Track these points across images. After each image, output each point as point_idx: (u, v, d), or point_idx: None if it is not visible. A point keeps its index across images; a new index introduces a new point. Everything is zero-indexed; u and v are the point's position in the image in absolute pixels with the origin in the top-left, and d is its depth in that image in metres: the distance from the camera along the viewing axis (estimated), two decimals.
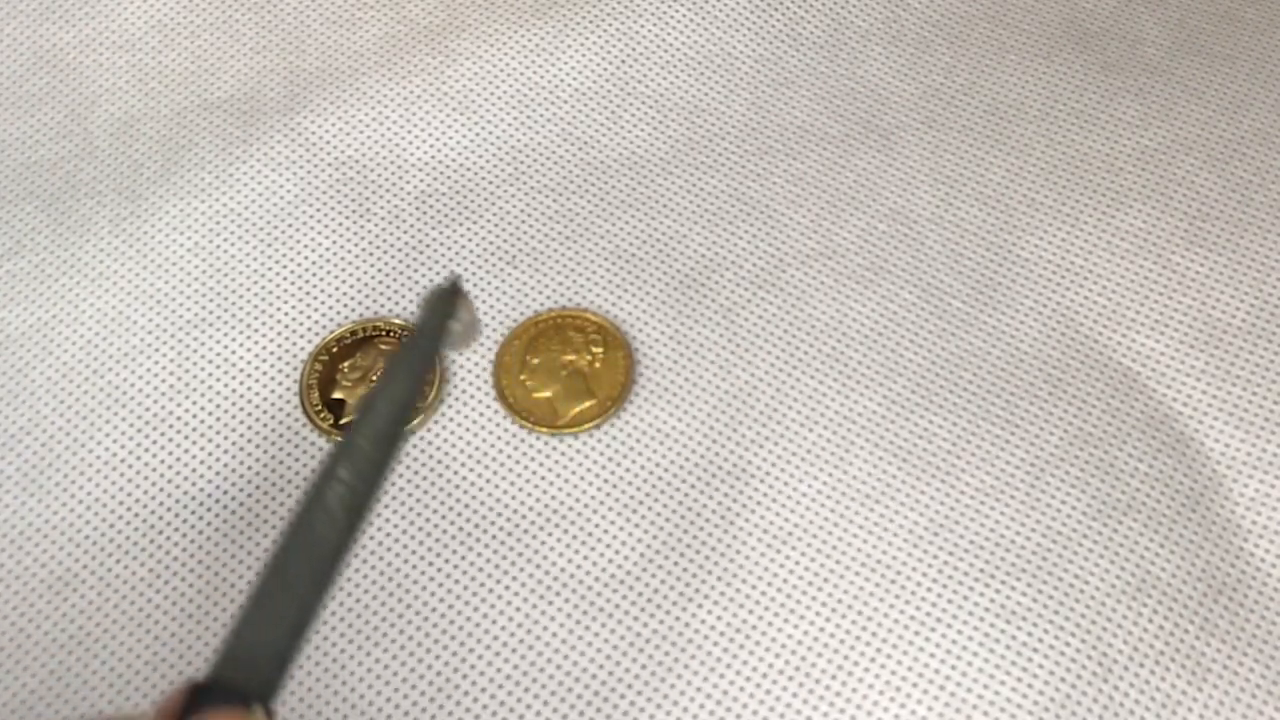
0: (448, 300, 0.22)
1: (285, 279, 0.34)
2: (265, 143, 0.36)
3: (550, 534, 0.30)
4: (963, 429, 0.31)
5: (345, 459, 0.20)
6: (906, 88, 0.37)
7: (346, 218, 0.35)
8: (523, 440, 0.31)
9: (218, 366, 0.33)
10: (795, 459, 0.31)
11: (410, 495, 0.31)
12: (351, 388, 0.32)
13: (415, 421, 0.31)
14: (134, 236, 0.35)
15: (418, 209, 0.35)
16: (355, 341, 0.33)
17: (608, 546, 0.30)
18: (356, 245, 0.35)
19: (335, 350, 0.33)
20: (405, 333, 0.33)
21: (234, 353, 0.33)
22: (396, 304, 0.34)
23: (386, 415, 0.21)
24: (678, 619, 0.29)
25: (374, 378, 0.32)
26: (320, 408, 0.32)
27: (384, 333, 0.33)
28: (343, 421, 0.32)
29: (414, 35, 0.39)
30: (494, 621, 0.29)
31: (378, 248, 0.35)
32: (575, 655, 0.28)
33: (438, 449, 0.31)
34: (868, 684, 0.28)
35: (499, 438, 0.31)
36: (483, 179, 0.36)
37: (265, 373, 0.33)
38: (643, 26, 0.39)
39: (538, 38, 0.38)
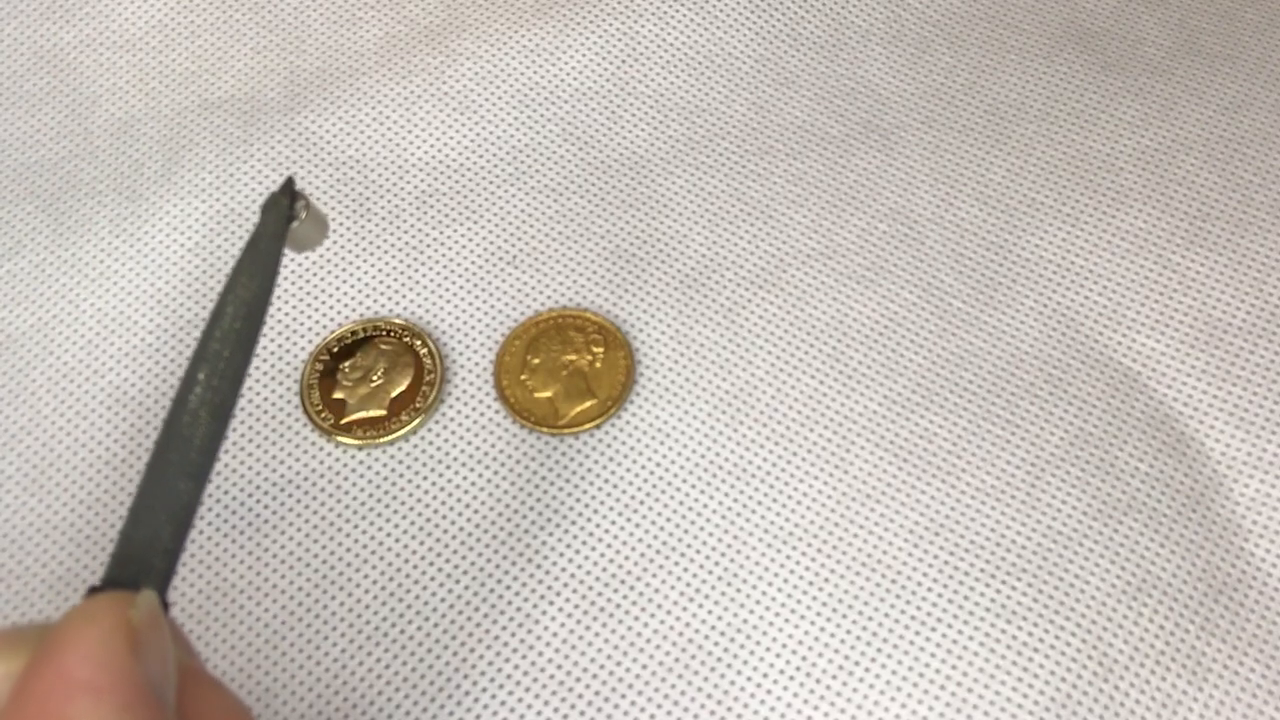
0: (285, 201, 0.23)
1: (285, 279, 0.34)
2: (266, 143, 0.36)
3: (551, 534, 0.30)
4: (963, 429, 0.31)
5: (202, 363, 0.21)
6: (907, 88, 0.37)
7: (346, 218, 0.35)
8: (523, 440, 0.31)
9: None
10: (796, 459, 0.31)
11: (411, 495, 0.31)
12: (352, 388, 0.32)
13: (416, 421, 0.31)
14: (134, 236, 0.35)
15: (418, 209, 0.35)
16: (355, 341, 0.33)
17: (608, 546, 0.30)
18: (356, 245, 0.35)
19: (335, 350, 0.33)
20: (406, 332, 0.33)
21: None
22: (396, 304, 0.34)
23: (235, 316, 0.21)
24: (678, 619, 0.29)
25: (374, 378, 0.32)
26: (320, 408, 0.32)
27: (384, 332, 0.33)
28: (343, 421, 0.32)
29: (414, 35, 0.39)
30: (494, 621, 0.29)
31: (378, 248, 0.35)
32: (576, 655, 0.28)
33: (438, 449, 0.31)
34: (868, 684, 0.28)
35: (500, 438, 0.31)
36: (483, 179, 0.36)
37: (265, 373, 0.33)
38: (643, 26, 0.39)
39: (538, 37, 0.38)
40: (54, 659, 0.17)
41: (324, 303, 0.34)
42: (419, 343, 0.33)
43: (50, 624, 0.19)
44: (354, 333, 0.33)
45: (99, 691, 0.17)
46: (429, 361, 0.33)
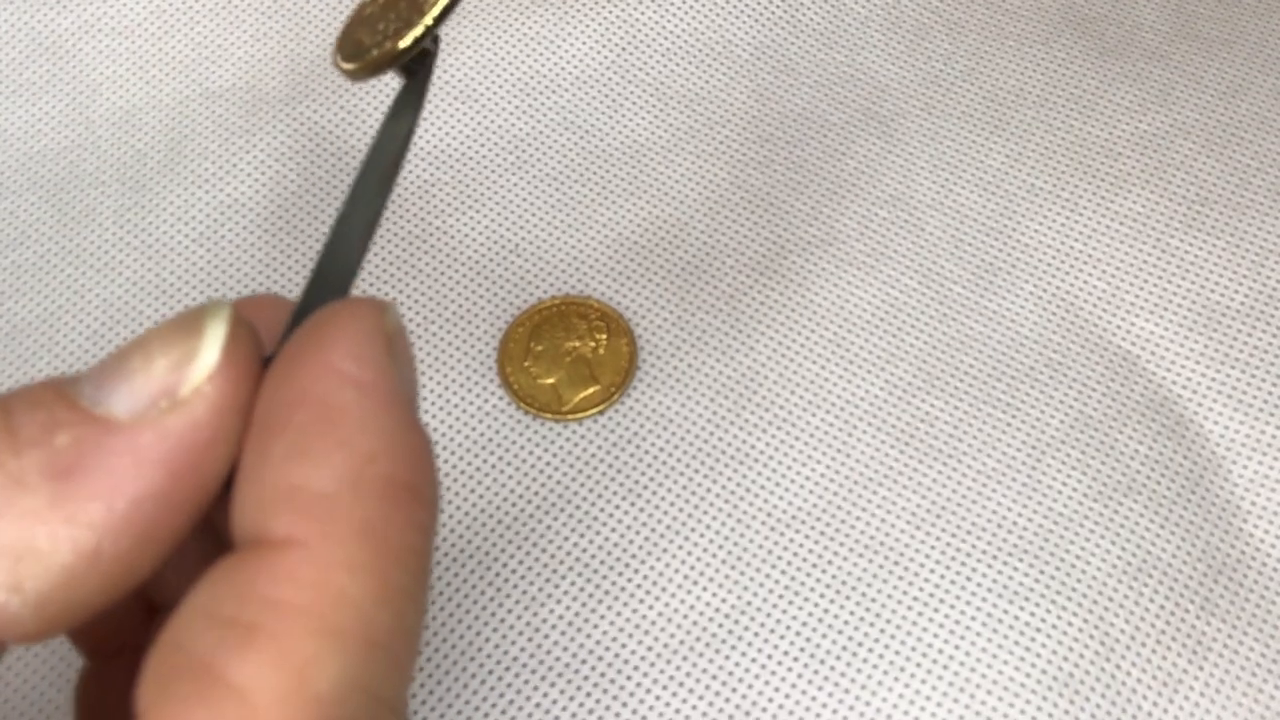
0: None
1: (289, 269, 0.34)
2: (268, 132, 0.36)
3: (556, 519, 0.30)
4: (964, 412, 0.31)
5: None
6: (906, 74, 0.38)
7: None
8: (527, 426, 0.32)
9: None
10: (798, 443, 0.31)
11: None
12: None
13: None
14: (138, 227, 0.35)
15: (420, 198, 0.35)
16: None
17: (613, 531, 0.30)
18: None
19: None
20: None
21: None
22: (400, 292, 0.34)
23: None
24: (683, 601, 0.29)
25: None
26: None
27: None
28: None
29: None
30: (500, 605, 0.29)
31: (381, 236, 0.35)
32: (581, 638, 0.29)
33: (442, 435, 0.32)
34: (872, 664, 0.28)
35: (503, 424, 0.32)
36: (484, 168, 0.36)
37: None
38: (643, 14, 0.39)
39: (538, 26, 0.38)
40: (317, 351, 0.17)
41: None
42: None
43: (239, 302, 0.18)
44: None
45: (363, 385, 0.17)
46: None
